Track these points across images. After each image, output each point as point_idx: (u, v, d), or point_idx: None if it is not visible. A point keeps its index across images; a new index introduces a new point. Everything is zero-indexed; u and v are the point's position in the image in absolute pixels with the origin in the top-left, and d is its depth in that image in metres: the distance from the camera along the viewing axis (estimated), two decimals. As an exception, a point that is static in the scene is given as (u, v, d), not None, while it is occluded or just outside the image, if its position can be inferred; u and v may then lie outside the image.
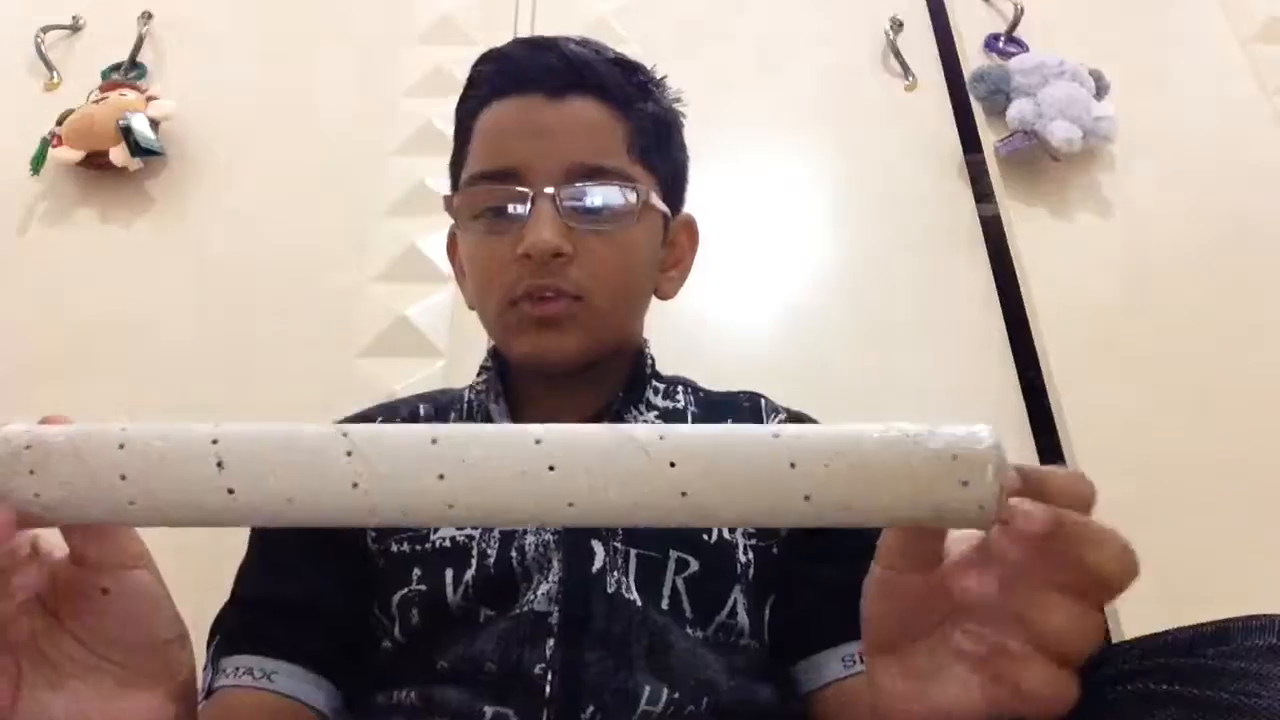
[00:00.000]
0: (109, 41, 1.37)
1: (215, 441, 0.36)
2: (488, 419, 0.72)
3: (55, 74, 1.35)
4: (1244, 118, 1.34)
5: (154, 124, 1.23)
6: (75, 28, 1.39)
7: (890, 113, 1.35)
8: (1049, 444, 1.09)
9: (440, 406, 0.76)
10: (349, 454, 0.35)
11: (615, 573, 0.63)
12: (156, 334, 1.16)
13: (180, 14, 1.39)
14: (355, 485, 0.35)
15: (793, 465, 0.35)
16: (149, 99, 1.26)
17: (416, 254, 1.21)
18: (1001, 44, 1.38)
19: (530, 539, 0.63)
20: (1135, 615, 0.96)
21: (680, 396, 0.76)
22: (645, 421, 0.73)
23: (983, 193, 1.28)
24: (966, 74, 1.34)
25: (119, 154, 1.21)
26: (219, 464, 0.35)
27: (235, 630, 0.66)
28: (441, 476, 0.35)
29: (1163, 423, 1.09)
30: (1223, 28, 1.42)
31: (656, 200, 0.73)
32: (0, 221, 1.23)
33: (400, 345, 1.15)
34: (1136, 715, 0.40)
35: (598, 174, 0.69)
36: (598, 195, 0.69)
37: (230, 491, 0.35)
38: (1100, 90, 1.27)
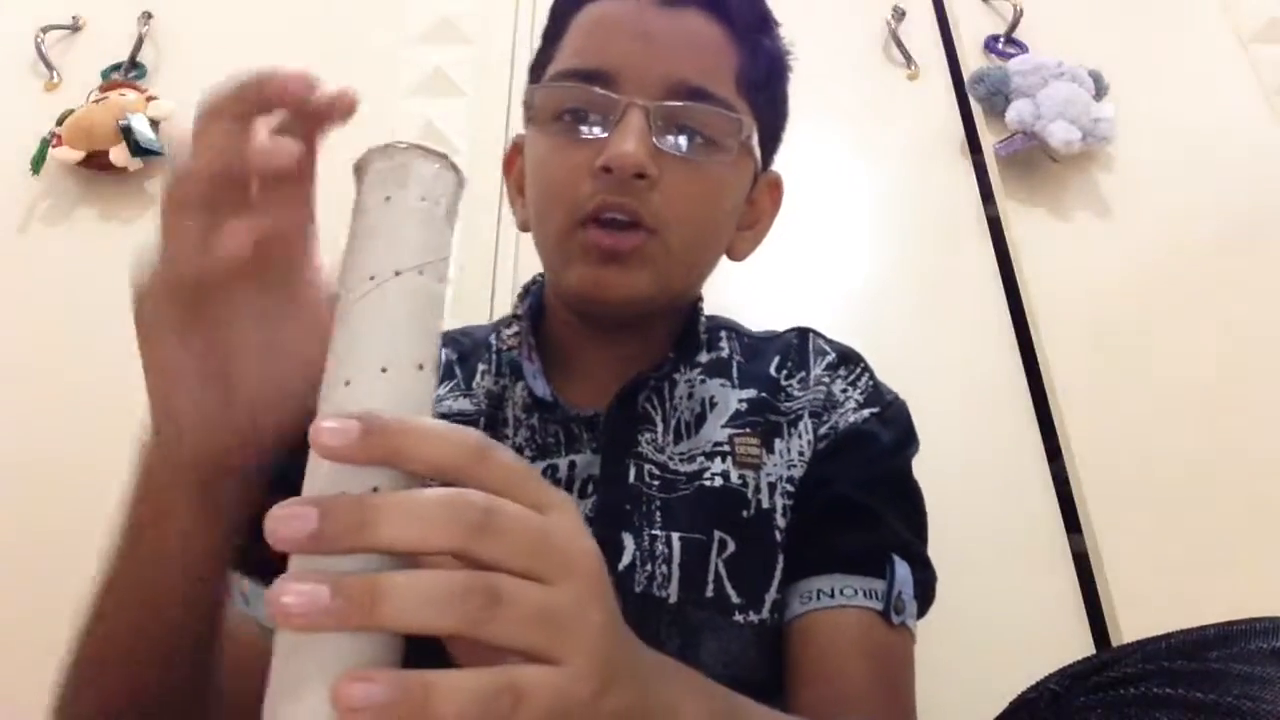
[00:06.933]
0: (109, 41, 1.36)
1: None
2: (518, 375, 0.66)
3: (55, 74, 1.34)
4: (1244, 118, 1.34)
5: (154, 124, 1.23)
6: (75, 28, 1.39)
7: (892, 100, 1.35)
8: (1051, 446, 1.09)
9: (464, 352, 0.70)
10: None
11: (647, 566, 0.59)
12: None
13: (180, 14, 1.39)
14: None
15: None
16: (149, 99, 1.26)
17: (417, 254, 1.21)
18: (1001, 45, 1.38)
19: None
20: (1136, 616, 0.96)
21: (724, 344, 0.72)
22: (689, 381, 0.68)
23: (982, 194, 1.27)
24: (966, 75, 1.34)
25: (119, 154, 1.20)
26: None
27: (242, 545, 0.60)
28: None
29: (1163, 422, 1.09)
30: (1223, 28, 1.42)
31: (755, 144, 0.65)
32: (0, 221, 1.23)
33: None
34: (1139, 719, 0.40)
35: (701, 96, 0.61)
36: (697, 118, 0.61)
37: None
38: (1100, 91, 1.26)
